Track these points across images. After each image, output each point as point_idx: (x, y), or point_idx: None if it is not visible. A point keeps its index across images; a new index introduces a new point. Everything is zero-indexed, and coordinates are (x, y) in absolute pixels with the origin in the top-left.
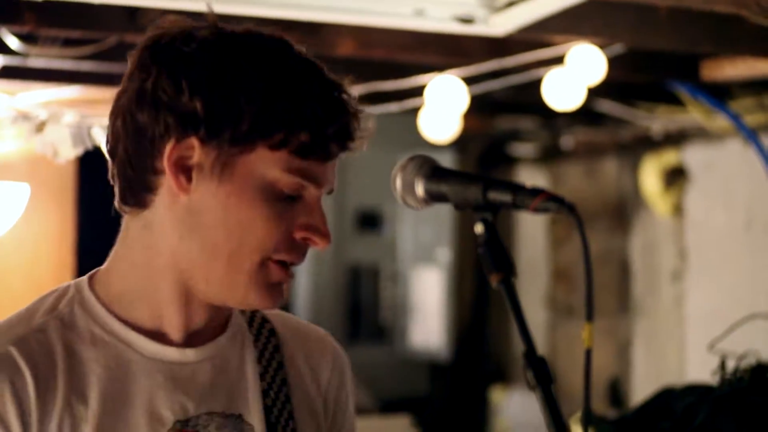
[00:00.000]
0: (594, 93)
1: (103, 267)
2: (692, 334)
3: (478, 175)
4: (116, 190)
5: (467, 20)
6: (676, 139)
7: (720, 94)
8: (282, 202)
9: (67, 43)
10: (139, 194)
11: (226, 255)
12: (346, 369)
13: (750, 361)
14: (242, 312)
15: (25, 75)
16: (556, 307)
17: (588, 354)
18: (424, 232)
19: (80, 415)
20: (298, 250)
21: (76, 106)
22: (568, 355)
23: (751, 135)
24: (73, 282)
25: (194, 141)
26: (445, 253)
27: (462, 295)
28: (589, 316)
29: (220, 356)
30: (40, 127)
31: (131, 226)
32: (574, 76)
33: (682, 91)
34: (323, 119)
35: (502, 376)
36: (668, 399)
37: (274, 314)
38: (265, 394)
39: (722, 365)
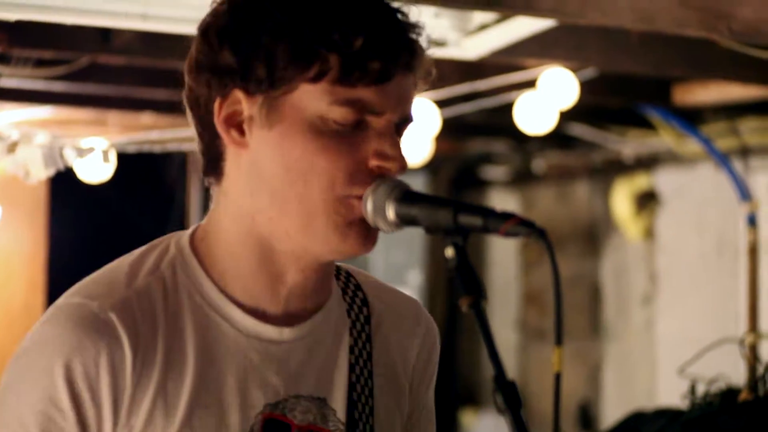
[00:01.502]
0: (566, 117)
1: (202, 226)
2: (662, 357)
3: (449, 199)
4: (203, 167)
5: (440, 43)
6: (648, 163)
7: (691, 118)
8: (341, 134)
9: (40, 63)
10: (214, 163)
11: (296, 199)
12: (436, 343)
13: (720, 385)
14: (337, 278)
15: None
16: (527, 331)
17: (557, 378)
18: (396, 255)
19: (174, 392)
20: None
21: (48, 127)
22: (539, 378)
23: (722, 159)
24: (173, 238)
25: (238, 93)
26: (416, 276)
27: (433, 318)
28: (558, 341)
29: (316, 334)
30: (12, 147)
31: (215, 197)
32: (545, 99)
33: (654, 115)
34: (350, 37)
35: (473, 398)
36: (638, 423)
37: (368, 282)
38: (351, 368)
39: (692, 389)
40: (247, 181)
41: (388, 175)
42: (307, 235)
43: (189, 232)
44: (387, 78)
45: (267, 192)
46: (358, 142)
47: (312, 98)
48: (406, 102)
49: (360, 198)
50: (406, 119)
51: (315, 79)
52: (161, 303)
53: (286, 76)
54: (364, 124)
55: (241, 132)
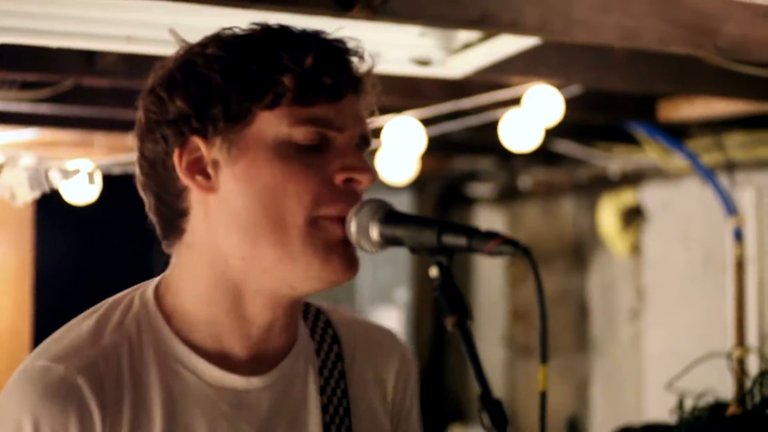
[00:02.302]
0: (551, 133)
1: (166, 278)
2: (650, 372)
3: (433, 219)
4: (159, 233)
5: (424, 62)
6: (634, 178)
7: (677, 134)
8: (306, 155)
9: (25, 86)
10: (176, 223)
11: (269, 229)
12: (413, 371)
13: (708, 399)
14: (305, 319)
15: None
16: (514, 347)
17: (543, 396)
18: (383, 273)
19: None
20: (347, 198)
21: (34, 149)
22: (527, 394)
23: (708, 174)
24: (137, 292)
25: (196, 140)
26: (403, 294)
27: (420, 335)
28: (544, 359)
29: (284, 381)
30: None
31: (177, 252)
32: (531, 116)
33: (640, 131)
34: (300, 58)
35: (460, 415)
36: None
37: (339, 317)
38: (324, 409)
39: (680, 404)
40: (218, 224)
41: (358, 188)
42: (286, 266)
43: (153, 284)
44: (340, 94)
45: (239, 229)
46: (324, 162)
47: (272, 124)
48: (363, 121)
49: (335, 219)
50: (366, 140)
51: (272, 105)
52: (127, 360)
53: (242, 108)
54: (327, 144)
55: (207, 176)
